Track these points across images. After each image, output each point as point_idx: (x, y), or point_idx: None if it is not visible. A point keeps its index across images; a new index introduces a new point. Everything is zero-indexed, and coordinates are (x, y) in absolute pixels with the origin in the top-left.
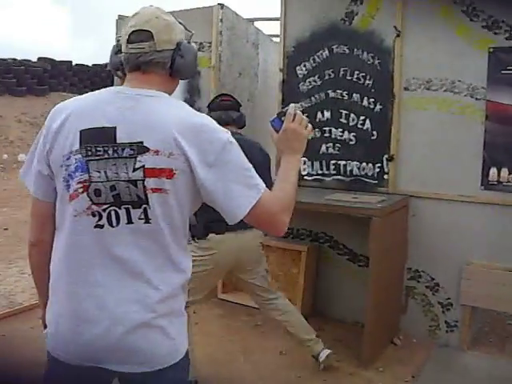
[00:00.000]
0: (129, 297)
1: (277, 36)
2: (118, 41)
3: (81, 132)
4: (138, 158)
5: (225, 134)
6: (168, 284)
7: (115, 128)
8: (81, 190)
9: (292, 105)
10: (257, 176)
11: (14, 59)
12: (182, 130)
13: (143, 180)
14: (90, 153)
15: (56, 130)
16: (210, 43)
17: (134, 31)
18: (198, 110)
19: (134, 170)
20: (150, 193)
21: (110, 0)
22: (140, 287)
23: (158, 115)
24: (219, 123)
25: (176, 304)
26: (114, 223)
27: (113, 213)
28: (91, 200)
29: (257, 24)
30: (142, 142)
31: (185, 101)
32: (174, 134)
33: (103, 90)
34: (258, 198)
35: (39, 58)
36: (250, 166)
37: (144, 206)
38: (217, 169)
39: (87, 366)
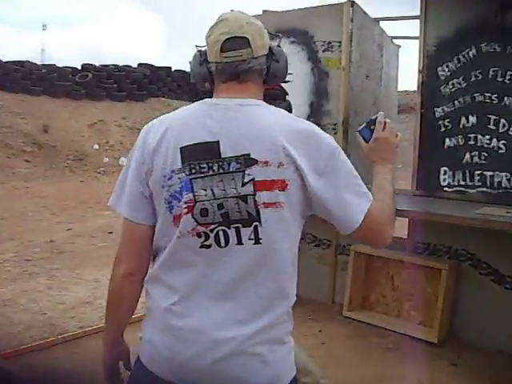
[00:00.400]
0: (227, 322)
1: (398, 38)
2: (199, 51)
3: (181, 149)
4: (246, 172)
5: (331, 139)
6: (272, 312)
7: (218, 142)
8: (185, 211)
9: (381, 113)
10: (364, 184)
11: (116, 65)
12: (289, 138)
13: (254, 194)
14: (193, 170)
15: (153, 149)
16: (340, 42)
17: (228, 38)
18: (327, 112)
19: (243, 184)
20: (262, 208)
21: (204, 6)
22: (241, 314)
23: (263, 124)
24: None
25: (278, 332)
26: (223, 243)
27: (221, 233)
28: (196, 221)
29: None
30: (248, 154)
31: (311, 104)
32: (281, 142)
33: (198, 102)
34: (369, 206)
35: (139, 64)
36: (357, 173)
37: (255, 223)
38: (327, 176)
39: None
